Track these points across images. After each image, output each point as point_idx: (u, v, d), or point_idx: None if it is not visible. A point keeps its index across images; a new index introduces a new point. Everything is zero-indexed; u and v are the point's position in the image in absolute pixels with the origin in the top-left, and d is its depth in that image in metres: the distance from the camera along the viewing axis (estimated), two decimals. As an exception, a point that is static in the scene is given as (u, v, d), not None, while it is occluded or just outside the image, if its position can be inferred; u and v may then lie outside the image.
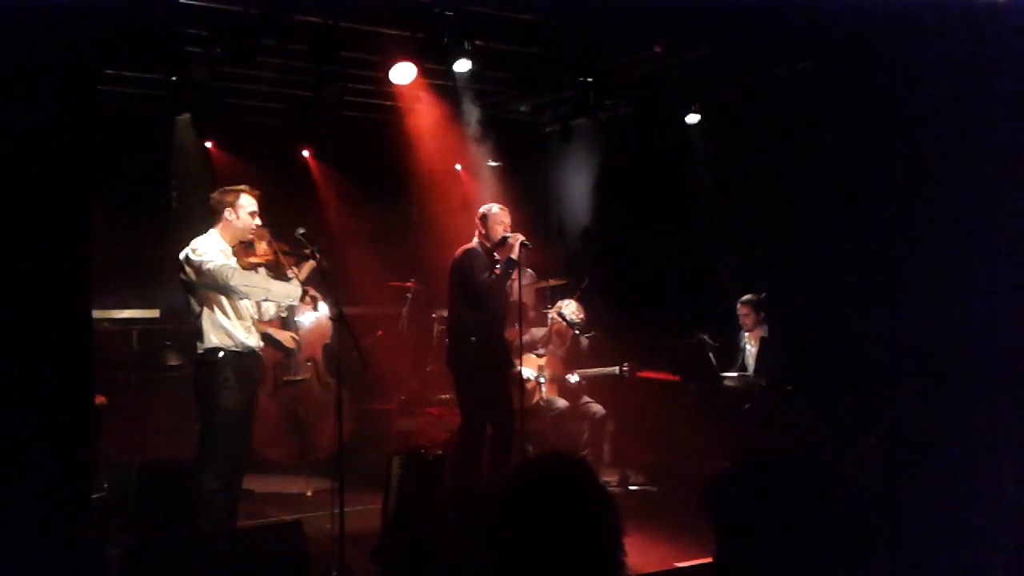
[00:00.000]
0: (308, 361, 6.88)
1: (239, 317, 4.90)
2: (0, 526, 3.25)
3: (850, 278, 5.68)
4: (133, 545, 4.37)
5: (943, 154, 4.98)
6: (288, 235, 5.06)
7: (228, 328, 4.84)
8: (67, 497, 3.47)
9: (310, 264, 5.08)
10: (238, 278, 4.75)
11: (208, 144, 7.67)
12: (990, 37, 4.60)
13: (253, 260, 4.93)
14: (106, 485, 5.53)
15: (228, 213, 4.92)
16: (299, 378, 6.71)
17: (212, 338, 4.81)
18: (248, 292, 4.83)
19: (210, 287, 4.79)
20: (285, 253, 5.00)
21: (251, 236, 4.95)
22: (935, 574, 3.74)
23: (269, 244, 4.96)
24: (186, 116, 7.22)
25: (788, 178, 6.34)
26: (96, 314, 6.05)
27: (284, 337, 6.31)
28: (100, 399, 5.12)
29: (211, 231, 4.94)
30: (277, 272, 5.06)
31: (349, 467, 4.93)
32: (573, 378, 7.02)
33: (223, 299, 4.83)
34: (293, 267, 5.01)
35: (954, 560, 3.87)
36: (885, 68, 5.32)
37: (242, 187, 5.01)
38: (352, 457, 5.59)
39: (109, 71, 6.36)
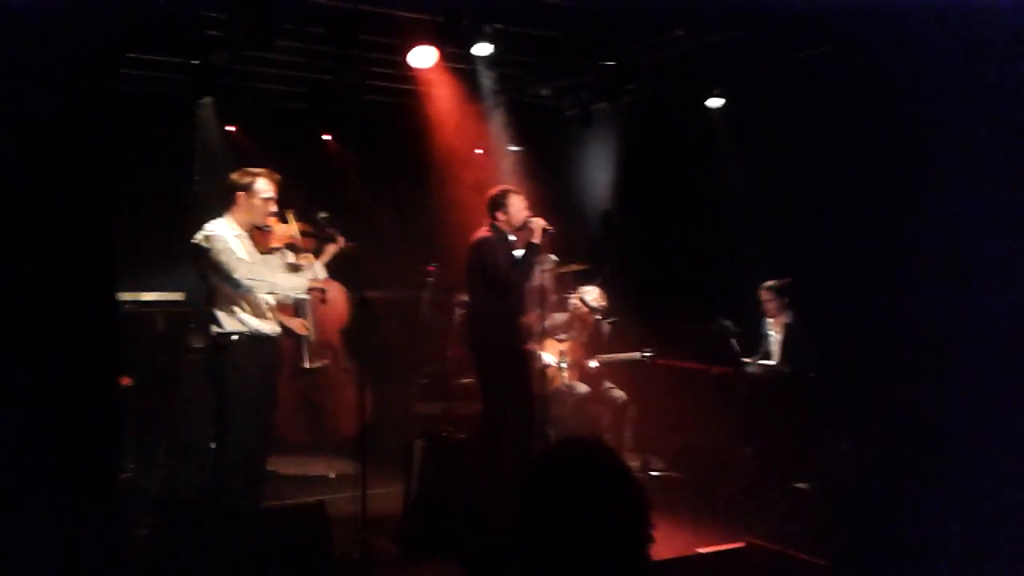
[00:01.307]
0: (326, 347, 6.88)
1: (252, 306, 4.84)
2: (27, 507, 3.28)
3: (878, 264, 5.61)
4: (159, 525, 4.41)
5: (975, 136, 4.91)
6: (310, 219, 5.06)
7: (241, 316, 4.80)
8: (93, 478, 3.50)
9: (333, 248, 5.07)
10: (242, 272, 4.69)
11: (230, 128, 7.68)
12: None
13: (272, 244, 4.91)
14: (132, 466, 5.60)
15: (242, 197, 4.84)
16: (315, 366, 6.70)
17: (225, 323, 4.77)
18: (253, 286, 4.77)
19: (216, 278, 4.75)
20: (307, 235, 4.98)
21: (268, 221, 4.88)
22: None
23: (290, 224, 4.92)
24: (208, 100, 7.24)
25: (811, 162, 6.27)
26: (121, 296, 6.10)
27: (295, 324, 6.32)
28: (125, 381, 5.17)
29: (224, 215, 4.86)
30: (297, 254, 5.04)
31: (371, 451, 4.95)
32: (594, 363, 7.02)
33: None
34: (309, 253, 4.98)
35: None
36: (909, 51, 5.25)
37: (261, 171, 4.91)
38: (373, 441, 5.61)
39: (131, 55, 6.38)
